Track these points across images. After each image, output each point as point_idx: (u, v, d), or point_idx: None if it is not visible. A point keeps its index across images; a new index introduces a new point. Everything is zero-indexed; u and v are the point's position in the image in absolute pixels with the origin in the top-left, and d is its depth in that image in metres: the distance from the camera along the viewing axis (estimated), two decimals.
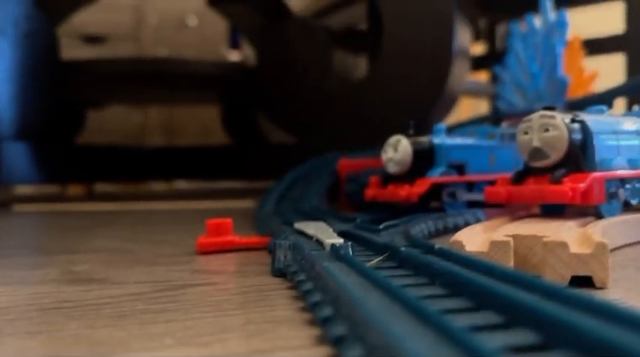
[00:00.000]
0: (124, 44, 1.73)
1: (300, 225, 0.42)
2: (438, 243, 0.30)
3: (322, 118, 1.08)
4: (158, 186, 1.66)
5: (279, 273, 0.31)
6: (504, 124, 0.65)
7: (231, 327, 0.22)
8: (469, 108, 1.92)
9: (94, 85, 1.23)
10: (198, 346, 0.20)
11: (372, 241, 0.34)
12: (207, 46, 1.82)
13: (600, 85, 0.86)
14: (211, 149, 1.33)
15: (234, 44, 1.82)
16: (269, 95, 1.16)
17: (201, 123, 1.83)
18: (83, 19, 1.47)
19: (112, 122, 1.69)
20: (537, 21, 0.80)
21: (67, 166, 1.20)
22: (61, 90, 1.17)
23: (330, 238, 0.35)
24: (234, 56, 1.89)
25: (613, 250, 0.37)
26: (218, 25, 1.70)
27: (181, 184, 1.67)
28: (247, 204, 0.85)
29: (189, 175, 1.29)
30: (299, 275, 0.27)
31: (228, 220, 0.43)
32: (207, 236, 0.42)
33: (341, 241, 0.34)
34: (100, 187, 1.48)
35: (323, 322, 0.19)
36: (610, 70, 1.05)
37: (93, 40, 1.63)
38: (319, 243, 0.35)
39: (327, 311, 0.20)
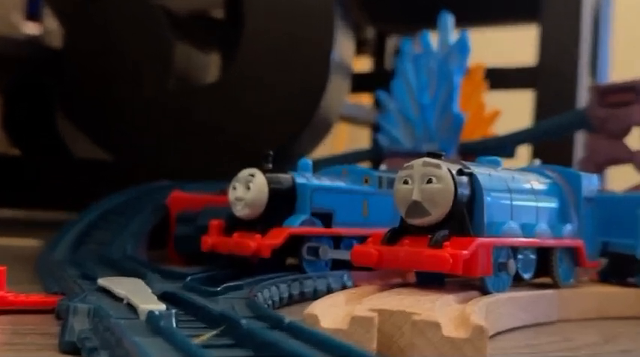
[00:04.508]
0: None
1: (106, 281, 0.42)
2: (290, 315, 0.32)
3: (151, 130, 1.07)
4: None
5: (70, 348, 0.31)
6: (384, 166, 0.70)
7: None
8: (347, 138, 2.01)
9: None
10: None
11: (205, 309, 0.35)
12: None
13: (503, 127, 0.96)
14: None
15: (33, 14, 1.75)
16: (77, 91, 1.13)
17: None
18: None
19: None
20: (434, 41, 0.87)
21: None
22: None
23: (148, 302, 0.35)
24: (30, 29, 1.82)
25: (497, 334, 0.42)
26: None
27: None
28: (31, 243, 0.82)
29: None
30: (99, 353, 0.27)
31: (1, 269, 0.42)
32: None
33: (162, 307, 0.34)
34: None
35: None
36: (516, 110, 1.16)
37: None
38: (132, 308, 0.35)
39: None
